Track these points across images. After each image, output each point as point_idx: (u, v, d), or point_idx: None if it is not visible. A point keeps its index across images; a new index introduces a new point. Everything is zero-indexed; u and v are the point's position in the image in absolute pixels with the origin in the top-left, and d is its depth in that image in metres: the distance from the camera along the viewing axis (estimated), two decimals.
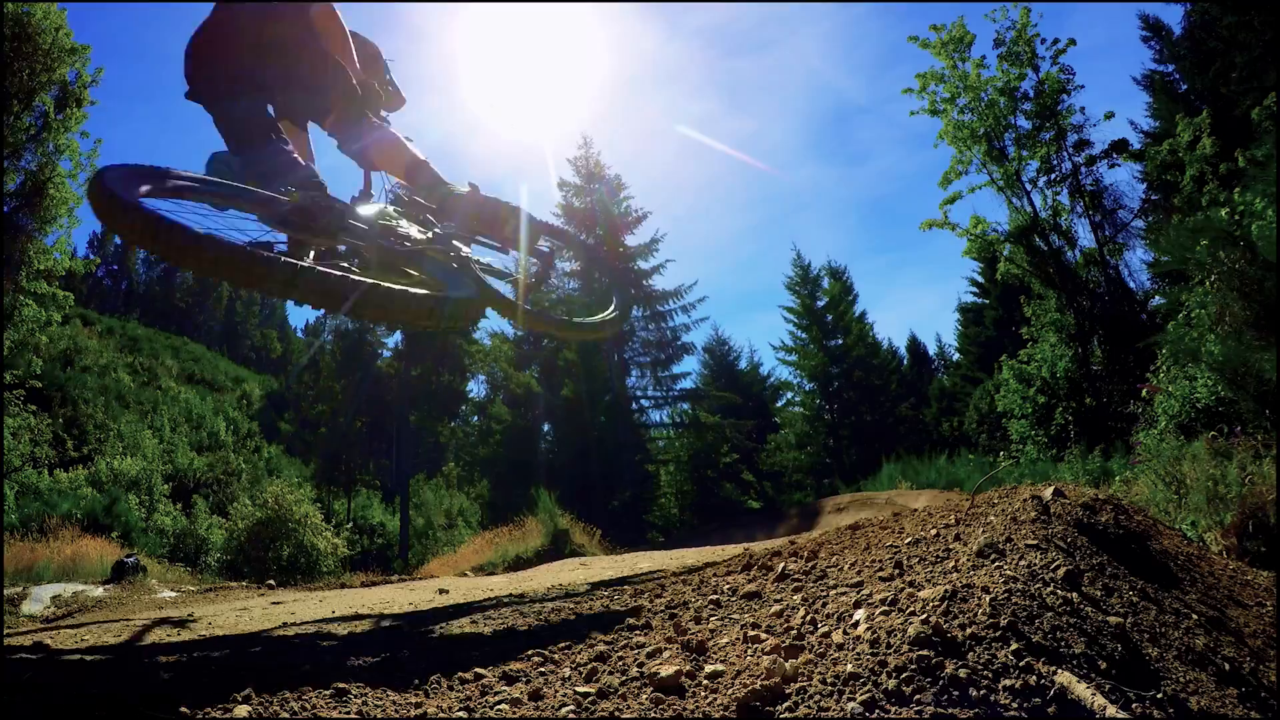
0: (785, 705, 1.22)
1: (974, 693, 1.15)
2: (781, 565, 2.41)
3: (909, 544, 2.18)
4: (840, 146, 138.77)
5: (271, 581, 8.81)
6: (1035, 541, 1.85)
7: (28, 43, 11.04)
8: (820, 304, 25.98)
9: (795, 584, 2.16)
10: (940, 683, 1.17)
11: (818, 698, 1.21)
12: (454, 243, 2.83)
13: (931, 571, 1.80)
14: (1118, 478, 6.85)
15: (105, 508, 12.89)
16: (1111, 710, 1.12)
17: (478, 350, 23.05)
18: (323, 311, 2.61)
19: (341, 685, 1.59)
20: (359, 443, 22.56)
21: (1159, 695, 1.28)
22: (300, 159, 2.57)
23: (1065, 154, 13.54)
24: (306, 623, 2.83)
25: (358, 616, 2.91)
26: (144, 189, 2.07)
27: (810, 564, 2.37)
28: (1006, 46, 13.51)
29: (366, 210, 2.67)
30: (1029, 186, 13.69)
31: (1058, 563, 1.69)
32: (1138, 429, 9.40)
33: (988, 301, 26.43)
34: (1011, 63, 13.45)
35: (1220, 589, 2.41)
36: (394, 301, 2.24)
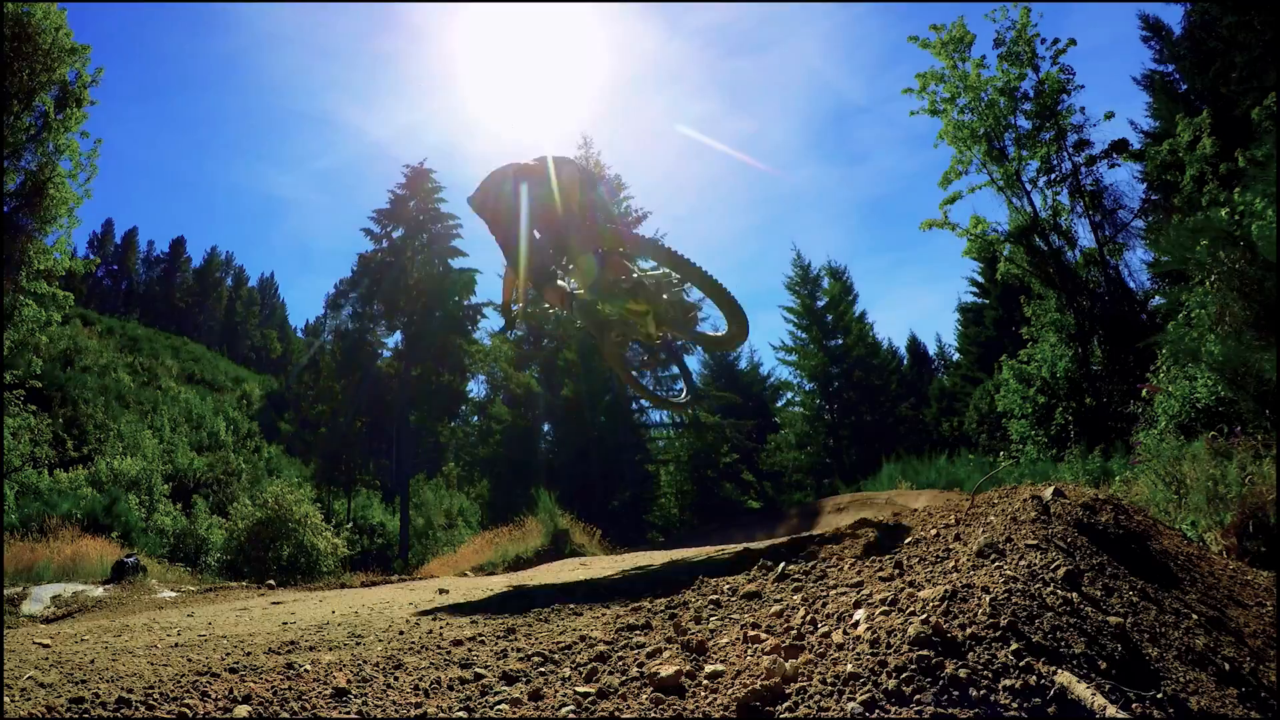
0: (785, 705, 1.22)
1: (974, 693, 1.15)
2: (781, 565, 2.41)
3: (909, 544, 2.18)
4: (840, 146, 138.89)
5: (271, 581, 8.81)
6: (1035, 541, 1.85)
7: (28, 43, 11.03)
8: (820, 304, 25.96)
9: (795, 584, 2.16)
10: (940, 683, 1.17)
11: (818, 698, 1.21)
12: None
13: (931, 571, 1.80)
14: (1118, 478, 6.85)
15: (105, 508, 12.88)
16: (1111, 710, 1.12)
17: (478, 350, 23.04)
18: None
19: (341, 685, 1.58)
20: (359, 443, 22.51)
21: (1159, 695, 1.28)
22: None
23: (1065, 154, 13.53)
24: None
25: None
26: None
27: (810, 564, 2.37)
28: (1006, 46, 13.50)
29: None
30: (1029, 186, 13.69)
31: (1058, 563, 1.69)
32: (1138, 429, 9.39)
33: (988, 301, 26.40)
34: (1011, 63, 13.44)
35: (1220, 589, 2.40)
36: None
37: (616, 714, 1.33)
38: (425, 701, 1.53)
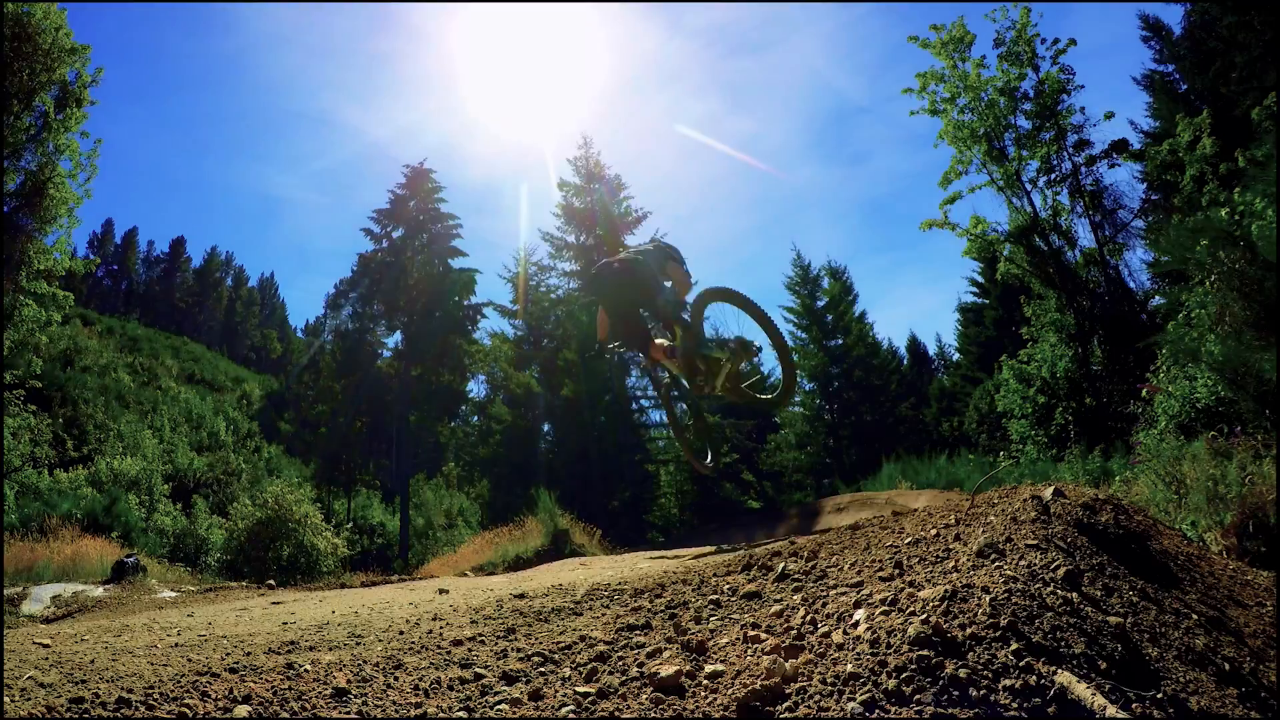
0: (785, 705, 1.22)
1: (974, 693, 1.15)
2: (781, 565, 2.41)
3: (909, 544, 2.18)
4: (841, 146, 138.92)
5: (271, 581, 8.81)
6: (1035, 541, 1.85)
7: (28, 43, 11.03)
8: (820, 304, 25.97)
9: (795, 584, 2.16)
10: (940, 683, 1.17)
11: (818, 698, 1.21)
12: None
13: (931, 571, 1.80)
14: (1118, 478, 6.84)
15: (105, 508, 12.87)
16: (1111, 710, 1.12)
17: (478, 350, 23.05)
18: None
19: (341, 685, 1.58)
20: (359, 443, 22.51)
21: (1159, 695, 1.28)
22: None
23: (1065, 154, 13.53)
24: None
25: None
26: None
27: (810, 564, 2.37)
28: (1006, 46, 13.50)
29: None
30: (1029, 186, 13.69)
31: (1058, 563, 1.69)
32: (1138, 429, 9.39)
33: (988, 301, 26.40)
34: (1011, 63, 13.44)
35: (1220, 589, 2.40)
36: None
37: (616, 714, 1.33)
38: (425, 701, 1.53)
